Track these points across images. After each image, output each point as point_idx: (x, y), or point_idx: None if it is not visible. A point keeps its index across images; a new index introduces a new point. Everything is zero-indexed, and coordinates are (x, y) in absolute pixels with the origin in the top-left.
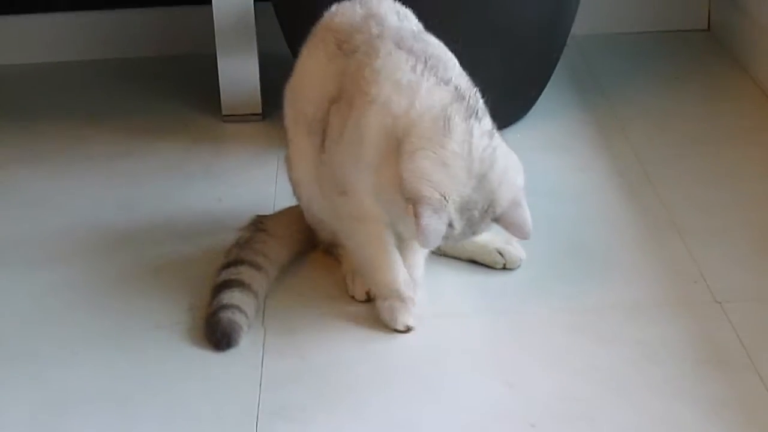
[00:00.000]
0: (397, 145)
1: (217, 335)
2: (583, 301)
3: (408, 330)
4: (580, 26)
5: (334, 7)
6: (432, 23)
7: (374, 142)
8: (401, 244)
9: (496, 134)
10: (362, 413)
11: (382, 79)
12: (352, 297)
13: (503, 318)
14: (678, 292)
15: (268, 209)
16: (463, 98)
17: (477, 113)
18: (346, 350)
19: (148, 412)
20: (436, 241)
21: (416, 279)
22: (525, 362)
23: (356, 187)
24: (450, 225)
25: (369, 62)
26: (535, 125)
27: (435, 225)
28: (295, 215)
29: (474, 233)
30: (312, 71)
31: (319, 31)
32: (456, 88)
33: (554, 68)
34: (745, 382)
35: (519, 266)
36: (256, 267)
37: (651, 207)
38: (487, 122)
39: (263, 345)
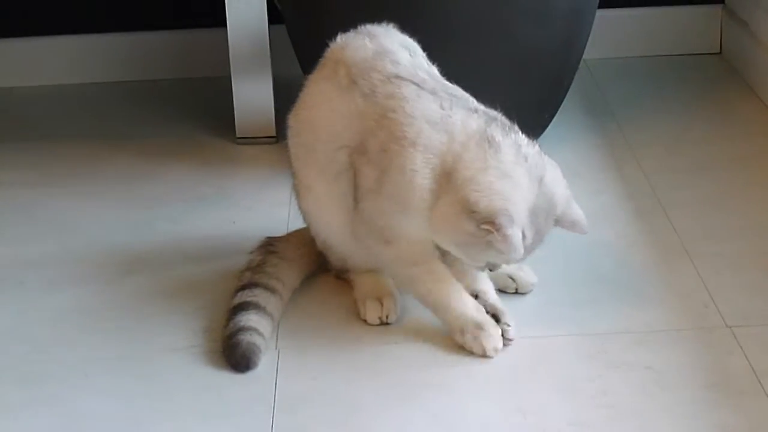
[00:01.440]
0: (446, 181)
1: (236, 357)
2: (594, 325)
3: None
4: (592, 51)
5: (340, 39)
6: (445, 49)
7: (423, 184)
8: (462, 274)
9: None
10: None
11: (418, 121)
12: (365, 321)
13: (514, 342)
14: (689, 316)
15: (281, 232)
16: (495, 119)
17: (513, 128)
18: (359, 373)
19: None
20: (521, 251)
21: (493, 303)
22: (537, 387)
23: (404, 233)
24: (523, 237)
25: (399, 107)
26: (547, 149)
27: (518, 234)
28: (305, 237)
29: (540, 241)
30: (322, 104)
31: (327, 62)
32: (485, 113)
33: (566, 93)
34: (756, 408)
35: (531, 291)
36: (271, 290)
37: (662, 231)
38: (522, 134)
39: (277, 367)
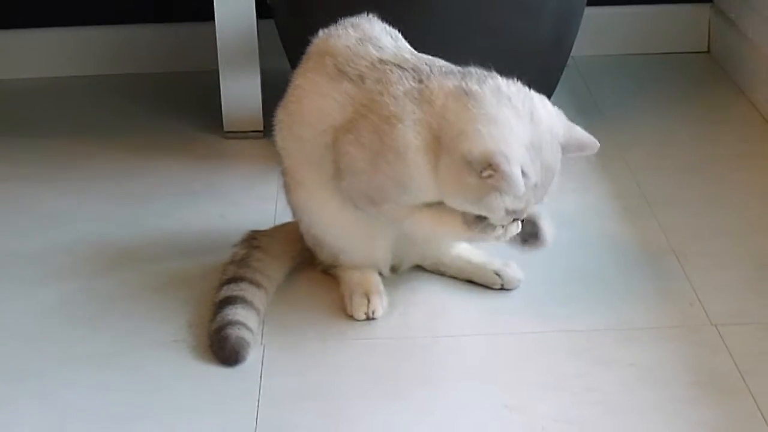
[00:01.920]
0: (438, 147)
1: (225, 352)
2: (579, 323)
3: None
4: (580, 48)
5: (322, 33)
6: (433, 46)
7: (417, 159)
8: None
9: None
10: None
11: (401, 101)
12: (351, 316)
13: (500, 339)
14: (674, 314)
15: (269, 226)
16: (470, 74)
17: (490, 75)
18: (344, 368)
19: (146, 430)
20: (522, 188)
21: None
22: (521, 383)
23: (405, 203)
24: (525, 174)
25: (386, 91)
26: None
27: (517, 171)
28: (289, 232)
29: (554, 175)
30: (311, 92)
31: (312, 55)
32: (459, 71)
33: (554, 90)
34: (740, 406)
35: (517, 287)
36: (257, 284)
37: (648, 229)
38: (501, 77)
39: (262, 362)
